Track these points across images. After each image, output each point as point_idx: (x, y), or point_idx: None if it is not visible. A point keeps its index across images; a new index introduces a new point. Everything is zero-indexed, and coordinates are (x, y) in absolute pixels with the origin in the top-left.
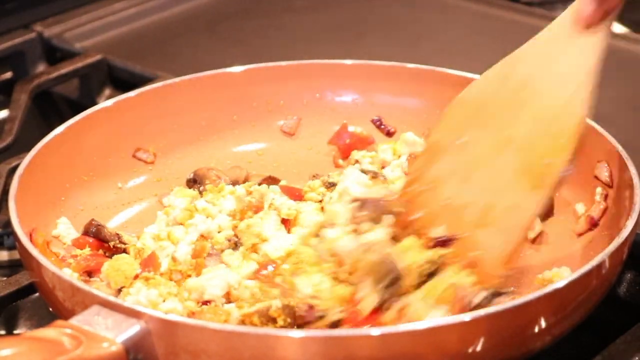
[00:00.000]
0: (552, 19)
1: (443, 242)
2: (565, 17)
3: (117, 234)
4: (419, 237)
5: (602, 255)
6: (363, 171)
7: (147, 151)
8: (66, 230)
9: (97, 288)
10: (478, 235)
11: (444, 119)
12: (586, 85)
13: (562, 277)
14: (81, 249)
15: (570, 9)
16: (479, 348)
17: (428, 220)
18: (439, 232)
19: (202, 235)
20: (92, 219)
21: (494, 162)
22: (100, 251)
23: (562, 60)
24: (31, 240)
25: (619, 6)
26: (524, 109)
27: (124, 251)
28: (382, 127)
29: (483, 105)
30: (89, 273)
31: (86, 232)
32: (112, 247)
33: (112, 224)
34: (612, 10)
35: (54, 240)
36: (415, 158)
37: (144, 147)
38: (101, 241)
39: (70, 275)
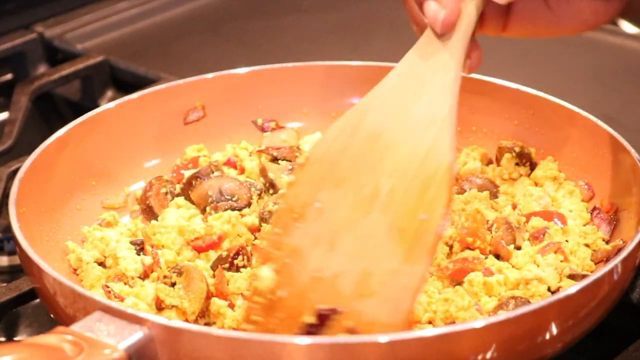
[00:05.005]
0: None
1: (323, 319)
2: (411, 57)
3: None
4: (291, 324)
5: (615, 261)
6: None
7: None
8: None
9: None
10: (361, 307)
11: (293, 184)
12: (448, 127)
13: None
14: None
15: (416, 45)
16: (489, 355)
17: (296, 299)
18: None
19: None
20: None
21: (361, 224)
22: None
23: (416, 105)
24: None
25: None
26: (381, 162)
27: None
28: None
29: (332, 163)
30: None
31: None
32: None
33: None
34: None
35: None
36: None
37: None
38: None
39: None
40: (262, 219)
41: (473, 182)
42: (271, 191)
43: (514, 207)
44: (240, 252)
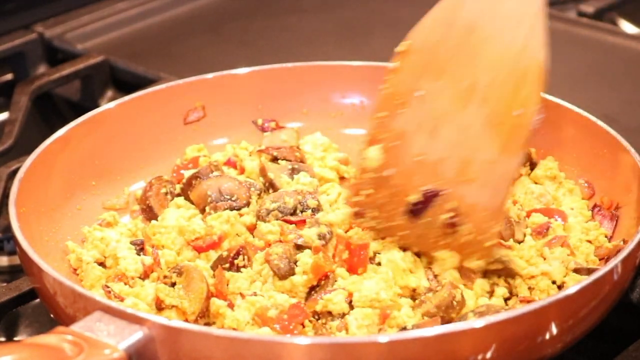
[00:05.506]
0: (563, 19)
1: (428, 199)
2: None
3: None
4: (397, 200)
5: (615, 261)
6: None
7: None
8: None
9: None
10: (462, 190)
11: (397, 70)
12: (539, 25)
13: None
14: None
15: None
16: (489, 355)
17: (403, 177)
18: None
19: None
20: None
21: (461, 114)
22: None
23: (507, 1)
24: None
25: None
26: (478, 56)
27: None
28: None
29: (432, 53)
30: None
31: None
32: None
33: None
34: None
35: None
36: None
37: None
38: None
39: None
40: (259, 217)
41: None
42: (271, 191)
43: (514, 203)
44: (240, 252)
